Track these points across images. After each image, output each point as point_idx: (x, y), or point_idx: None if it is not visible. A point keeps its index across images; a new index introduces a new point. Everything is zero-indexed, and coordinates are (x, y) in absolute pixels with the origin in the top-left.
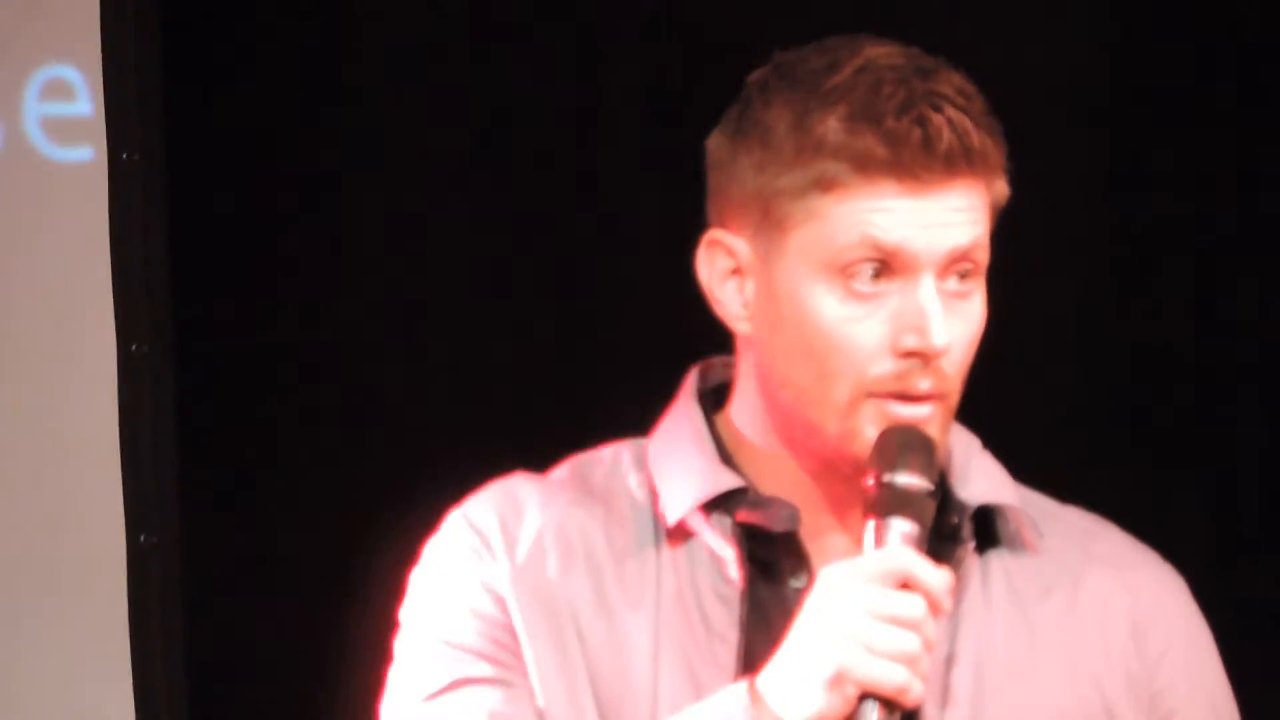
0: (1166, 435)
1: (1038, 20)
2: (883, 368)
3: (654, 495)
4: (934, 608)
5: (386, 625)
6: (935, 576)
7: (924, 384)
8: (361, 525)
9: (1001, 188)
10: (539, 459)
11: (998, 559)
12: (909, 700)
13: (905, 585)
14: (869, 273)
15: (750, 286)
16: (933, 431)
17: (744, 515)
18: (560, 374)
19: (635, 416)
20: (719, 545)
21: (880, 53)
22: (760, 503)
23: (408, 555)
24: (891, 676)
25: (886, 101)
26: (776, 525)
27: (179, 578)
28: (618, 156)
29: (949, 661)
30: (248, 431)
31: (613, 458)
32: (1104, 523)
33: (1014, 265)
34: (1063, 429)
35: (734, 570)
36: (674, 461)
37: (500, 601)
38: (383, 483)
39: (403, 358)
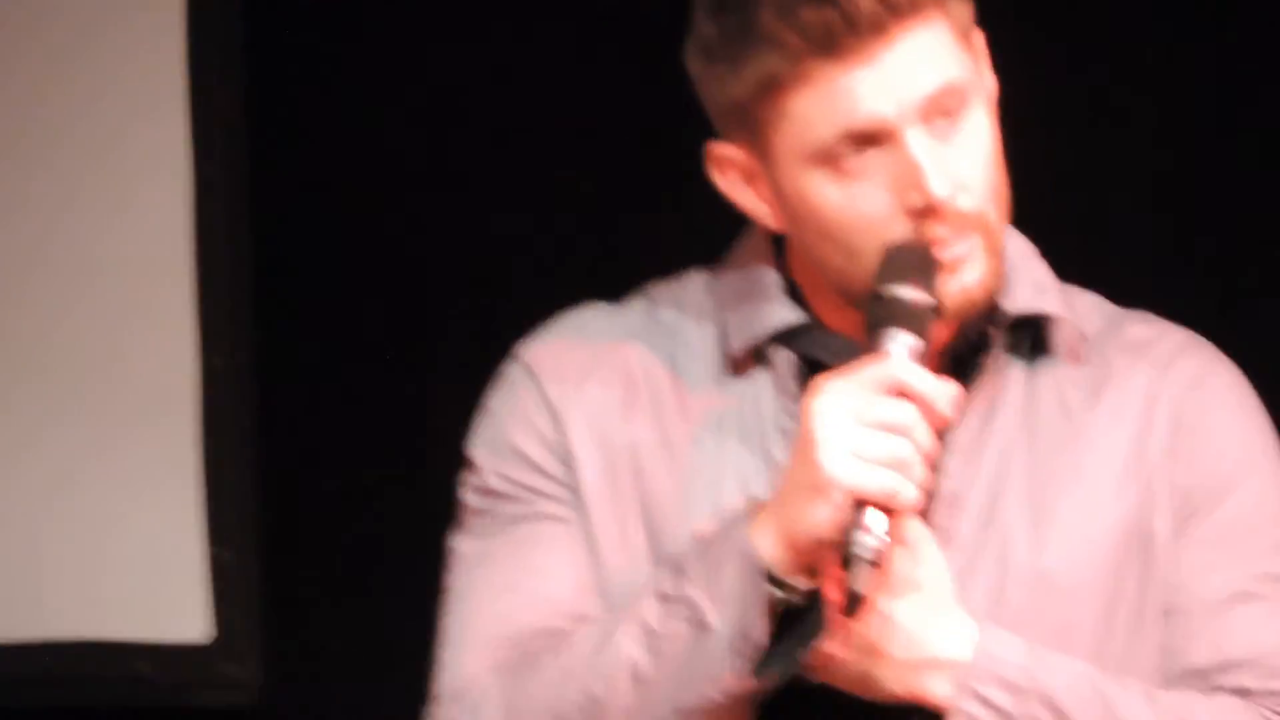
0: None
1: None
2: (901, 231)
3: (722, 327)
4: (930, 415)
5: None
6: (929, 383)
7: (943, 231)
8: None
9: (960, 10)
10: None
11: (1049, 369)
12: (901, 505)
13: (899, 393)
14: (853, 151)
15: (764, 188)
16: (977, 264)
17: (808, 349)
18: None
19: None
20: (783, 378)
21: None
22: (824, 338)
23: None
24: (879, 481)
25: None
26: (839, 361)
27: (255, 398)
28: None
29: (972, 472)
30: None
31: (684, 288)
32: (1164, 325)
33: None
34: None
35: (797, 404)
36: (742, 295)
37: (555, 442)
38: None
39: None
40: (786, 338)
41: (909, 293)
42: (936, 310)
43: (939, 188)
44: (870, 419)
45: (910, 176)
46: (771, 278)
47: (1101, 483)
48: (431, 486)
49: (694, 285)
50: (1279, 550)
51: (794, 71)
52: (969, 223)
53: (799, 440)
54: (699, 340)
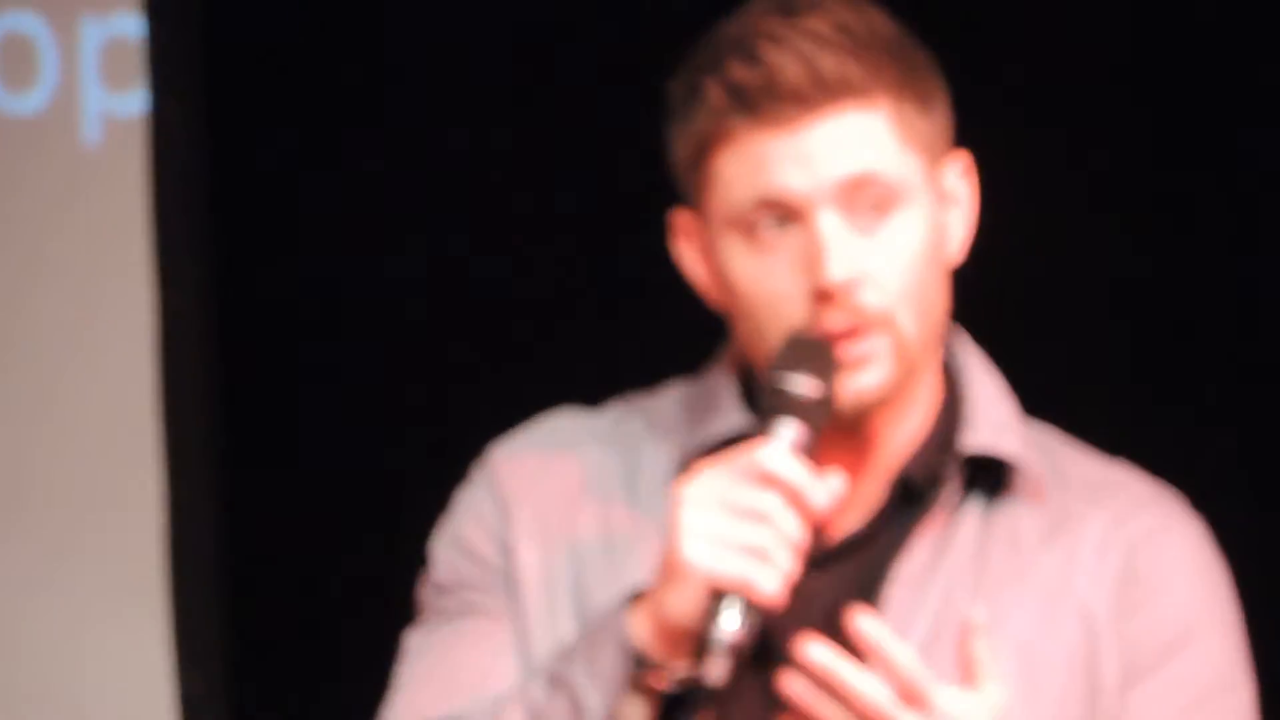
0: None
1: None
2: (801, 313)
3: (682, 442)
4: (800, 506)
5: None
6: (799, 473)
7: (839, 319)
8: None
9: (911, 109)
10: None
11: (1007, 506)
12: (759, 595)
13: (767, 481)
14: (770, 223)
15: (706, 259)
16: (879, 368)
17: None
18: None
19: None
20: None
21: (768, 4)
22: None
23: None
24: (733, 568)
25: (733, 51)
26: None
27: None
28: None
29: (916, 607)
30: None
31: (657, 400)
32: (1124, 469)
33: None
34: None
35: None
36: (701, 408)
37: (498, 531)
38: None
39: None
40: (737, 443)
41: (800, 383)
42: (828, 404)
43: (838, 272)
44: (732, 506)
45: (814, 256)
46: (727, 386)
47: (1047, 627)
48: (409, 617)
49: (667, 398)
50: (1225, 715)
51: (720, 130)
52: (872, 319)
53: (668, 526)
54: (659, 456)
